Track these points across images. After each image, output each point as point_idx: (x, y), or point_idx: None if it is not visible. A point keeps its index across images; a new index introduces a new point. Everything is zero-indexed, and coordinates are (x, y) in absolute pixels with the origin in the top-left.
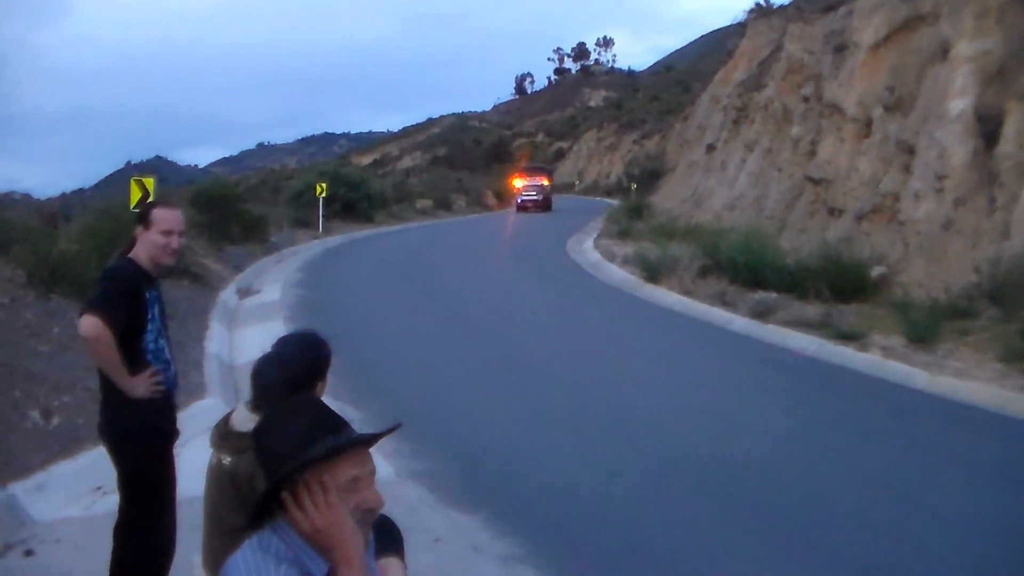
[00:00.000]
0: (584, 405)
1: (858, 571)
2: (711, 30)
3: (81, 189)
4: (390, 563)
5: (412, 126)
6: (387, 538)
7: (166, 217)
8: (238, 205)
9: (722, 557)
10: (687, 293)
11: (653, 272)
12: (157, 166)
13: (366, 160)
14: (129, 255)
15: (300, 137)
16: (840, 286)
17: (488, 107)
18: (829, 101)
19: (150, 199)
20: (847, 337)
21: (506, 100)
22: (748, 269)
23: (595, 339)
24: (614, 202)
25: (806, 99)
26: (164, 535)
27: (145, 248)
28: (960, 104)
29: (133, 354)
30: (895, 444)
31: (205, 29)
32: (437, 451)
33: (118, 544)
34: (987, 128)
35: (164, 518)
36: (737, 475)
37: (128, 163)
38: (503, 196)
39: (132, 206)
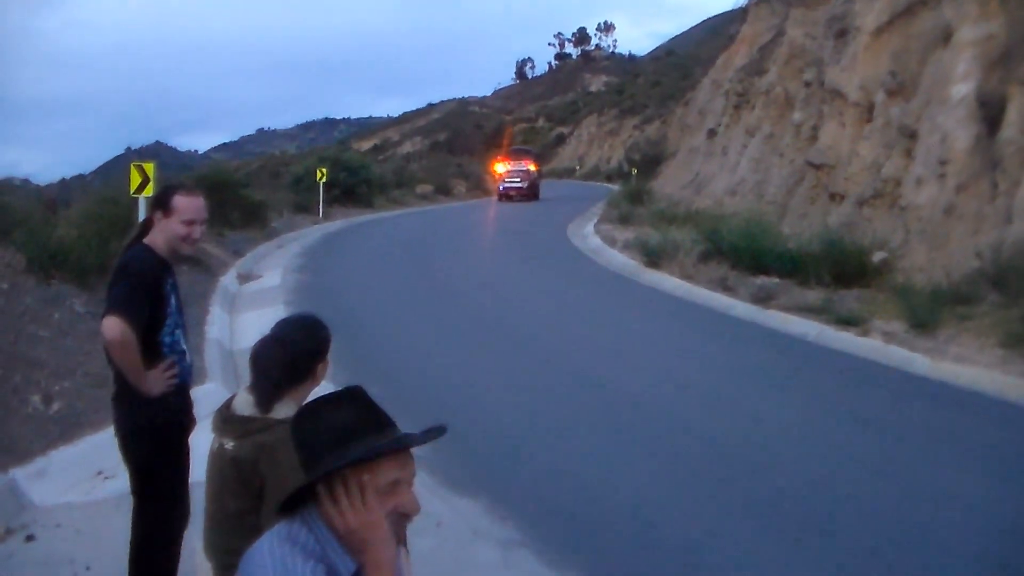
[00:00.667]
0: (584, 390)
1: (859, 556)
2: (712, 15)
3: (81, 175)
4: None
5: (412, 111)
6: None
7: (189, 206)
8: (238, 190)
9: (723, 541)
10: (688, 278)
11: (654, 257)
12: (157, 151)
13: (366, 145)
14: (144, 241)
15: (300, 122)
16: (841, 271)
17: (488, 92)
18: (831, 86)
19: (150, 184)
20: (848, 322)
21: (506, 85)
22: (749, 254)
23: (595, 324)
24: (615, 187)
25: (808, 84)
26: (177, 525)
27: (164, 236)
28: (963, 89)
29: (150, 348)
30: (896, 429)
31: (205, 14)
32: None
33: (134, 534)
34: (990, 113)
35: (177, 508)
36: (738, 460)
37: (128, 149)
38: None
39: (132, 192)
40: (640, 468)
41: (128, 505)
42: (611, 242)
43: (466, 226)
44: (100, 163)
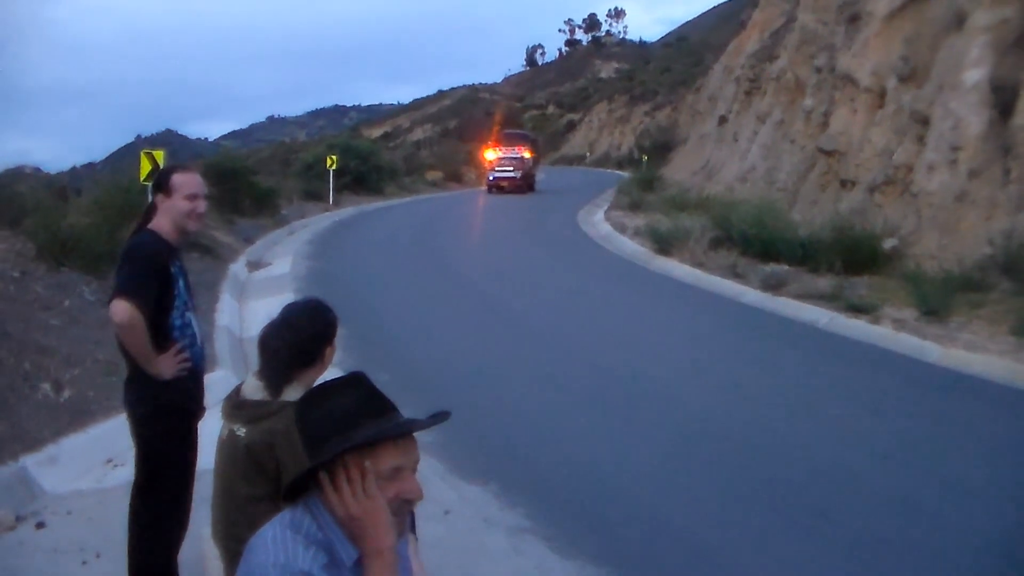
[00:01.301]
0: (594, 377)
1: (870, 544)
2: (723, 1)
3: (91, 163)
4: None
5: (422, 98)
6: None
7: (188, 181)
8: (248, 178)
9: (733, 529)
10: (698, 265)
11: (664, 244)
12: (167, 139)
13: (376, 132)
14: (149, 227)
15: (310, 110)
16: (852, 258)
17: (499, 79)
18: (842, 72)
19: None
20: (859, 310)
21: (517, 72)
22: (760, 241)
23: (606, 311)
24: (625, 174)
25: (819, 70)
26: (179, 512)
27: (169, 216)
28: (975, 74)
29: (160, 332)
30: (907, 417)
31: (215, 1)
32: (447, 422)
33: (133, 519)
34: (1003, 99)
35: (181, 496)
36: (749, 448)
37: (138, 136)
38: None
39: (142, 179)
40: (649, 454)
41: None
42: (621, 229)
43: (476, 213)
44: (110, 151)
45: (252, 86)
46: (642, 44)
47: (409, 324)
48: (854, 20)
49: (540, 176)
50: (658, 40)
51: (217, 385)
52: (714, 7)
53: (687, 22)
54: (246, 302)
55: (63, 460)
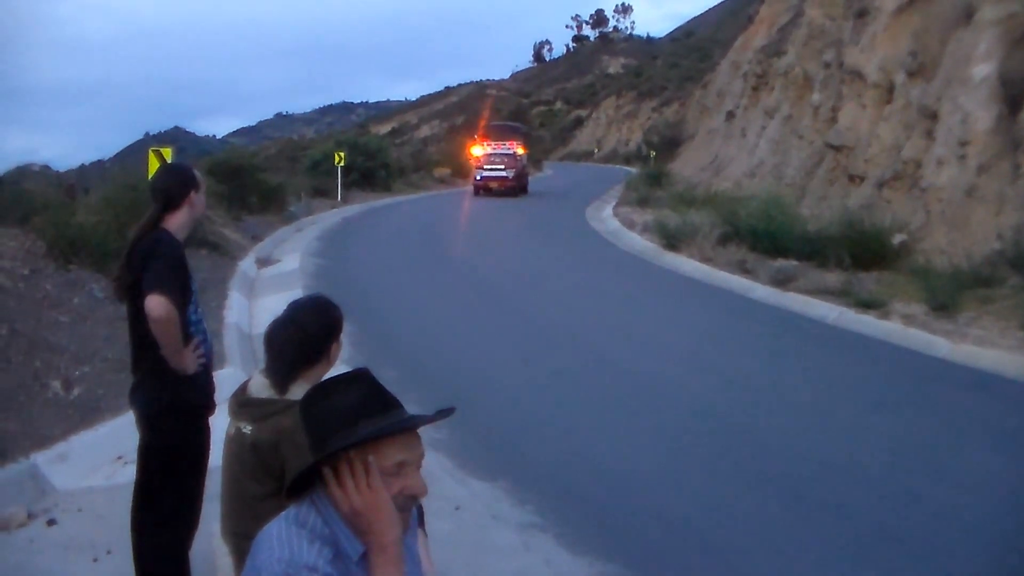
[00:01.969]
0: (603, 373)
1: (880, 539)
2: None
3: (100, 160)
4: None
5: (430, 94)
6: None
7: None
8: (256, 175)
9: (742, 524)
10: (707, 261)
11: (673, 240)
12: (175, 136)
13: (384, 129)
14: (163, 226)
15: (318, 107)
16: (861, 254)
17: (506, 75)
18: (850, 67)
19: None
20: (868, 305)
21: (524, 68)
22: (768, 237)
23: (615, 307)
24: (633, 170)
25: (827, 65)
26: (191, 509)
27: (191, 212)
28: (984, 69)
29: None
30: (916, 412)
31: None
32: (456, 419)
33: (141, 517)
34: (1011, 93)
35: (193, 492)
36: (758, 443)
37: (146, 134)
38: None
39: (151, 176)
40: (658, 450)
41: None
42: (630, 225)
43: (483, 209)
44: (119, 149)
45: (260, 83)
46: (649, 40)
47: (417, 320)
48: (862, 15)
49: (547, 172)
50: (665, 36)
51: (226, 382)
52: (721, 2)
53: (694, 17)
54: (255, 299)
55: (73, 457)
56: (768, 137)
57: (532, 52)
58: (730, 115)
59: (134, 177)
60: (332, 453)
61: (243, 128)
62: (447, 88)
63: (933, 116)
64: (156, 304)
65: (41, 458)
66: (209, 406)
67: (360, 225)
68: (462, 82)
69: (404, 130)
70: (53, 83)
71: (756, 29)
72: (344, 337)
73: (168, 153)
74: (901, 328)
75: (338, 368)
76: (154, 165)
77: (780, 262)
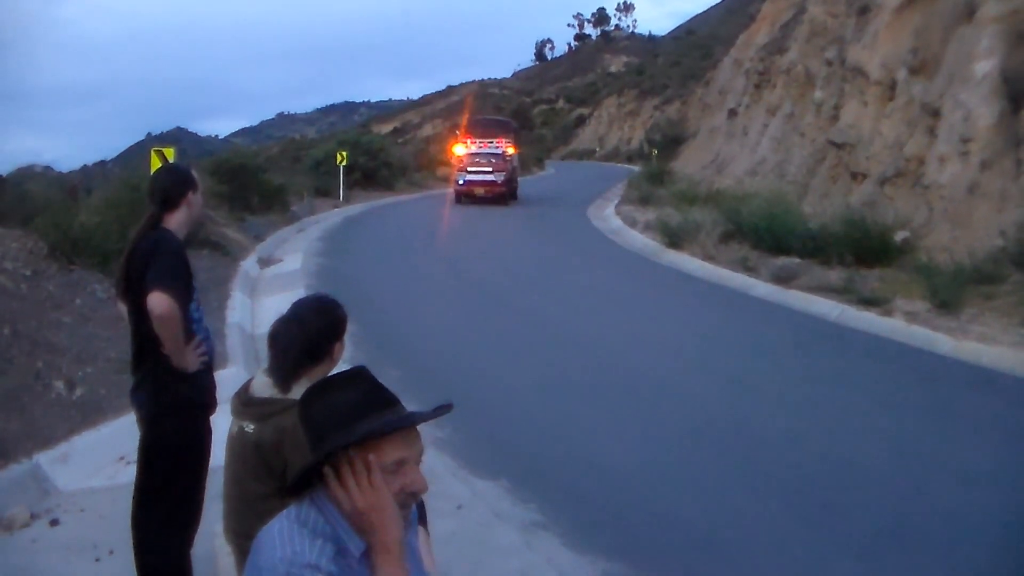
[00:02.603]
0: (606, 371)
1: (883, 537)
2: None
3: (102, 161)
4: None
5: (432, 94)
6: None
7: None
8: (258, 175)
9: (744, 521)
10: (709, 259)
11: (675, 238)
12: (178, 137)
13: (386, 128)
14: (164, 226)
15: (320, 106)
16: (863, 251)
17: (508, 74)
18: (852, 64)
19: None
20: (870, 302)
21: (526, 67)
22: (770, 234)
23: (617, 305)
24: (635, 168)
25: (829, 62)
26: (193, 508)
27: (191, 212)
28: (986, 66)
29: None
30: (919, 409)
31: None
32: (459, 418)
33: (142, 517)
34: (1014, 90)
35: (194, 492)
36: (760, 441)
37: (149, 135)
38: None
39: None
40: (660, 448)
41: None
42: (632, 223)
43: (486, 209)
44: (121, 149)
45: (262, 83)
46: (651, 38)
47: (419, 320)
48: (864, 12)
49: (550, 171)
50: (667, 34)
51: (229, 382)
52: (723, 0)
53: (696, 15)
54: (257, 299)
55: (76, 458)
56: (770, 135)
57: (534, 51)
58: (732, 113)
59: (136, 178)
60: (332, 452)
61: (245, 128)
62: (449, 87)
63: (935, 113)
64: (159, 301)
65: (44, 458)
66: (210, 405)
67: (362, 225)
68: (464, 81)
69: (406, 129)
70: (56, 84)
71: (758, 27)
72: (346, 337)
73: (170, 153)
74: (903, 325)
75: (341, 367)
76: (156, 165)
77: (782, 260)
